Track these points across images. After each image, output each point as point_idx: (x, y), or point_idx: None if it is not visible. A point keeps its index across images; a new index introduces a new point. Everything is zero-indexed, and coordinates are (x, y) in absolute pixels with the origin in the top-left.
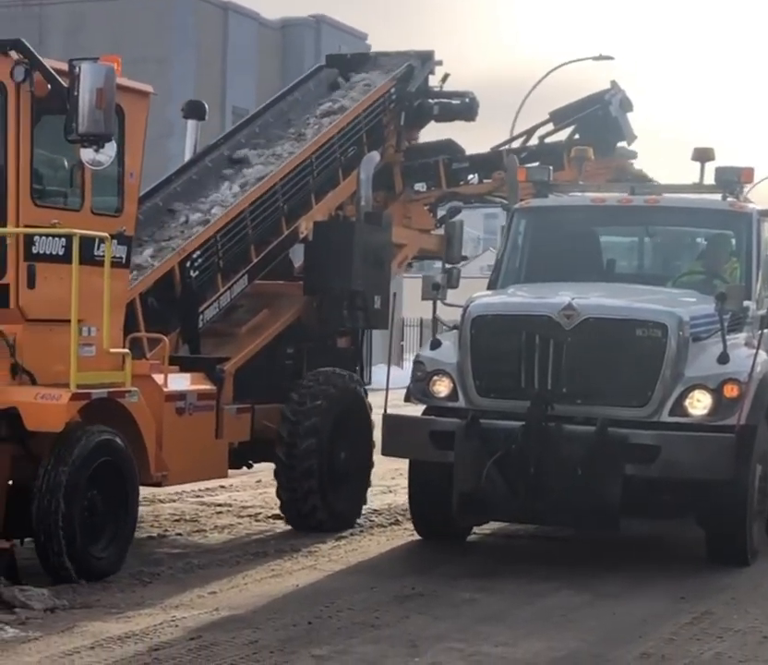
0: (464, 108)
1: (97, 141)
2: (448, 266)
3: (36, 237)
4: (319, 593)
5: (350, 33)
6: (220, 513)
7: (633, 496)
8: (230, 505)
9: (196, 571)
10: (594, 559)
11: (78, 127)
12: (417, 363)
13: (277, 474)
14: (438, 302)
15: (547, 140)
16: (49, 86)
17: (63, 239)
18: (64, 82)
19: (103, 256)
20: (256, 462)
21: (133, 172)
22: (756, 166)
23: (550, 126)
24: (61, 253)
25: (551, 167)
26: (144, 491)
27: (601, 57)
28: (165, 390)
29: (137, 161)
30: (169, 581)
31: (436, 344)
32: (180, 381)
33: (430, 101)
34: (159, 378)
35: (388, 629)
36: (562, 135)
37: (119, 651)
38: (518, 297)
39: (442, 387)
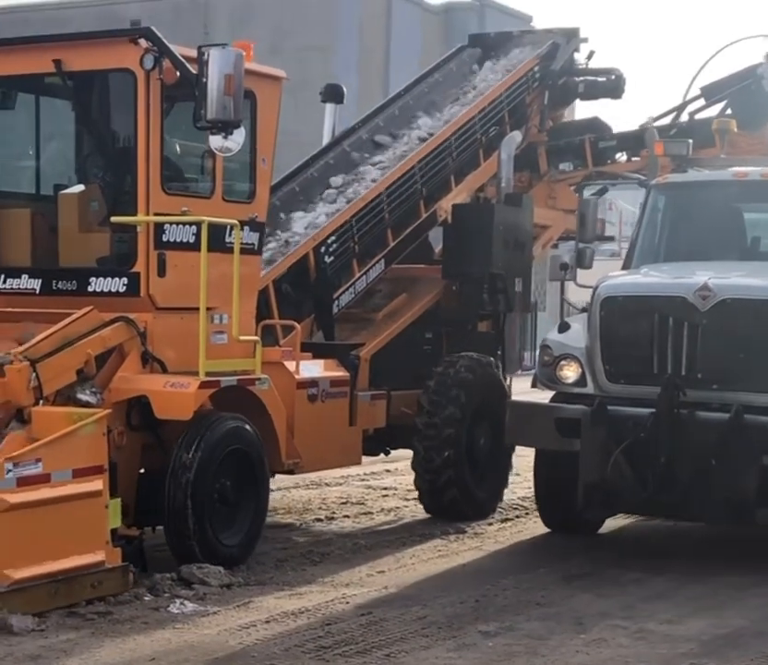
0: (611, 86)
1: (225, 128)
2: (581, 245)
3: (166, 225)
4: (486, 572)
5: (514, 16)
6: (386, 496)
7: None
8: (395, 488)
9: (363, 551)
10: (762, 541)
11: (206, 114)
12: (544, 347)
13: (414, 463)
14: (572, 284)
15: (698, 116)
16: (178, 73)
17: (193, 226)
18: (193, 69)
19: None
20: (394, 449)
21: (265, 157)
22: None
23: (701, 102)
24: (192, 240)
25: (690, 141)
26: (311, 477)
27: None
28: (297, 377)
29: (269, 146)
30: (338, 560)
31: (564, 328)
32: (312, 368)
33: (575, 79)
34: (290, 365)
35: (554, 607)
36: (713, 111)
37: (293, 625)
38: (651, 277)
39: (570, 372)
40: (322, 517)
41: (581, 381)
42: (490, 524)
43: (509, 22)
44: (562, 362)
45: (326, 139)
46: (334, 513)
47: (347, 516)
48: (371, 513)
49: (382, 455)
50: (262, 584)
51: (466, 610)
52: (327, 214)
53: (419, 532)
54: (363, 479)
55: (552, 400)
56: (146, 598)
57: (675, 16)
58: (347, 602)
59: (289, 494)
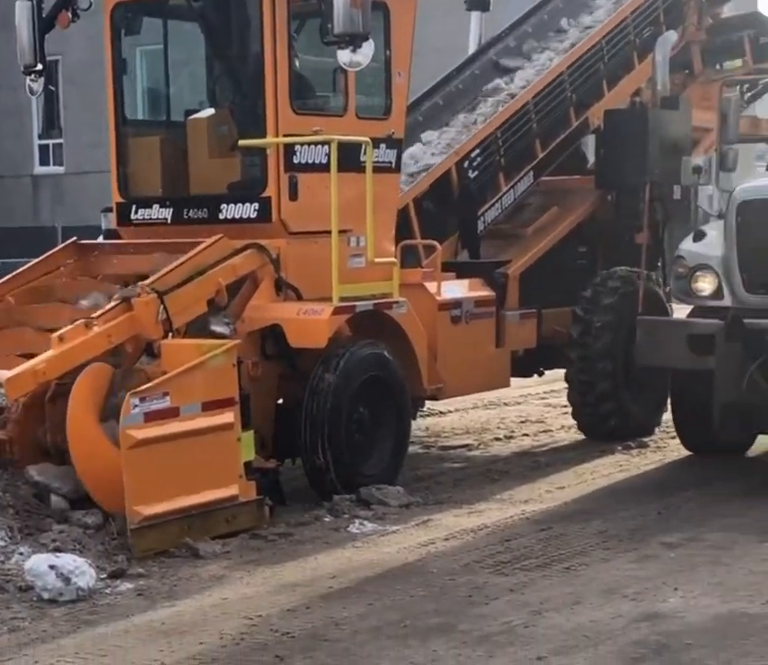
0: None
1: (353, 42)
2: (724, 147)
3: (297, 146)
4: (668, 485)
5: None
6: (566, 413)
7: None
8: None
9: (543, 468)
10: None
11: (333, 28)
12: (678, 258)
13: (568, 377)
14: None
15: None
16: None
17: (326, 146)
18: None
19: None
20: (548, 369)
21: (401, 71)
22: None
23: None
24: (324, 161)
25: None
26: (489, 396)
27: None
28: (438, 298)
29: (405, 60)
30: (517, 478)
31: (699, 236)
32: (455, 289)
33: None
34: (432, 286)
35: (737, 518)
36: None
37: (472, 542)
38: None
39: (706, 284)
40: (501, 436)
41: (717, 294)
42: (673, 437)
43: None
44: (697, 273)
45: (472, 49)
46: (513, 432)
47: (526, 435)
48: (551, 430)
49: (534, 376)
50: (440, 503)
51: (648, 523)
52: (470, 127)
53: (600, 447)
54: (542, 398)
55: (689, 315)
56: (326, 520)
57: None
58: (526, 518)
59: (467, 415)
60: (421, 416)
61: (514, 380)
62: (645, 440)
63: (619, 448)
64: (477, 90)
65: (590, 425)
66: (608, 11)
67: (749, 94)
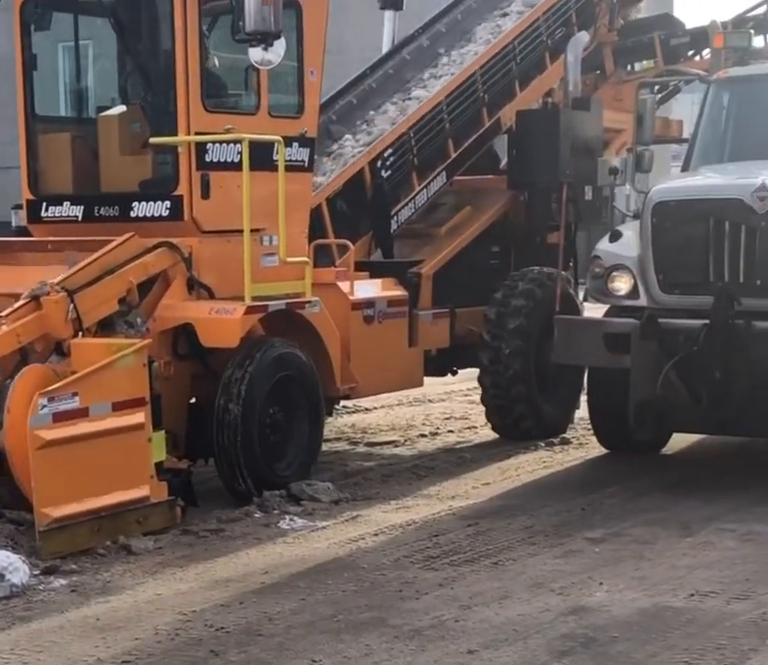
0: None
1: (265, 39)
2: (639, 148)
3: (209, 145)
4: (591, 481)
5: None
6: None
7: None
8: None
9: (468, 464)
10: None
11: (244, 26)
12: (594, 258)
13: (481, 379)
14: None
15: None
16: None
17: (238, 145)
18: None
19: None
20: (461, 368)
21: (314, 69)
22: None
23: None
24: (236, 160)
25: (751, 32)
26: (414, 393)
27: None
28: (351, 298)
29: (317, 58)
30: (443, 474)
31: (615, 236)
32: (368, 288)
33: None
34: (345, 286)
35: (660, 513)
36: None
37: (401, 537)
38: (705, 179)
39: (622, 284)
40: (426, 433)
41: (633, 293)
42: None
43: None
44: (614, 273)
45: (385, 48)
46: (438, 428)
47: (451, 431)
48: (475, 427)
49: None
50: (369, 498)
51: (572, 519)
52: (383, 127)
53: (524, 445)
54: (466, 394)
55: (605, 314)
56: (256, 516)
57: None
58: (454, 514)
59: (392, 411)
60: (347, 412)
61: (438, 378)
62: (567, 436)
63: (542, 444)
64: (393, 88)
65: (511, 436)
66: (520, 13)
67: (659, 96)
